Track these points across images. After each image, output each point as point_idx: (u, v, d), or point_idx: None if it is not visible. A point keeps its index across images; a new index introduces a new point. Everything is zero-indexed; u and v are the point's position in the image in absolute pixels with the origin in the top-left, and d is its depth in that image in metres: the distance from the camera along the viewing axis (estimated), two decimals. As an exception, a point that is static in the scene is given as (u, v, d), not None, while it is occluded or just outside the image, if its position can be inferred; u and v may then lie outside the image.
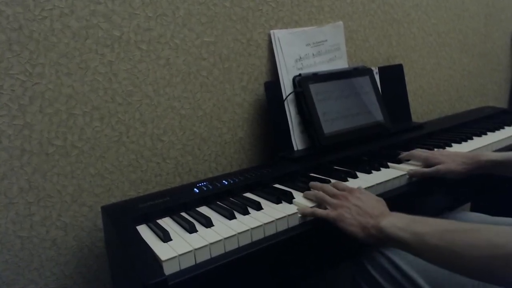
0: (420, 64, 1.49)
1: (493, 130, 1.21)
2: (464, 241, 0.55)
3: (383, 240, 0.64)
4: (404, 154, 0.97)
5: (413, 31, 1.45)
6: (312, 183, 0.81)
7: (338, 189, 0.76)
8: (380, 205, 0.70)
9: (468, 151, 1.01)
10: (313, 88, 1.06)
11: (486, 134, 1.18)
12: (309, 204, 0.75)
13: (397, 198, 0.83)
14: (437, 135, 1.20)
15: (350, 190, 0.74)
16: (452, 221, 0.60)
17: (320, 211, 0.71)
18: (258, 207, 0.75)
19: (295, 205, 0.76)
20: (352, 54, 1.28)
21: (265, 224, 0.68)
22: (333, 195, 0.74)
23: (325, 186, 0.78)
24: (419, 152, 0.94)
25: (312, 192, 0.77)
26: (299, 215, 0.72)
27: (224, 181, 0.87)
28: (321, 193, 0.75)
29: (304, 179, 0.89)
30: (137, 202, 0.80)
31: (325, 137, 1.04)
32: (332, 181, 0.85)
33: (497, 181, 0.96)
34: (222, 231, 0.66)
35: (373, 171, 0.90)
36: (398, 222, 0.63)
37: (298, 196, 0.79)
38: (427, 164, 0.90)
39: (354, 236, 0.67)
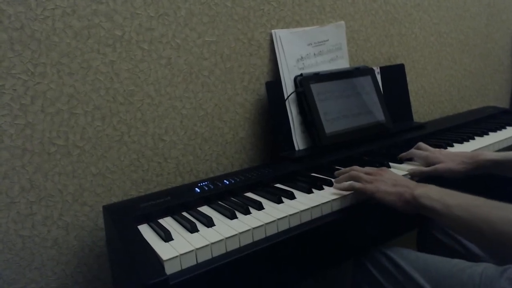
0: (422, 64, 1.49)
1: (494, 130, 1.21)
2: (484, 214, 0.60)
3: (418, 208, 0.69)
4: (404, 153, 0.97)
5: (414, 31, 1.45)
6: (338, 172, 0.86)
7: (370, 170, 0.81)
8: (411, 180, 0.76)
9: (469, 151, 1.01)
10: (315, 88, 1.06)
11: (487, 134, 1.18)
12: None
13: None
14: (438, 135, 1.20)
15: (381, 169, 0.80)
16: (480, 198, 0.64)
17: (358, 184, 0.77)
18: (260, 207, 0.75)
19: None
20: (354, 54, 1.28)
21: (266, 224, 0.68)
22: (366, 173, 0.79)
23: (355, 167, 0.83)
24: (419, 152, 0.94)
25: (346, 173, 0.82)
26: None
27: (225, 181, 0.87)
28: (355, 172, 0.80)
29: (305, 179, 0.89)
30: (138, 201, 0.80)
31: (327, 137, 1.04)
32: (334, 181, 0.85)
33: (496, 181, 0.96)
34: (223, 231, 0.66)
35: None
36: (431, 193, 0.68)
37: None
38: (427, 163, 0.90)
39: (392, 204, 0.72)
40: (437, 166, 0.87)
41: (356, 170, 0.82)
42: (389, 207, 0.73)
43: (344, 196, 0.78)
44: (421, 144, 0.97)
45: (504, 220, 0.58)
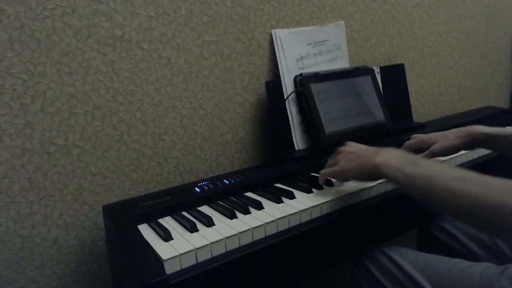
0: (422, 64, 1.49)
1: (494, 130, 1.21)
2: (448, 188, 0.58)
3: (379, 176, 0.70)
4: (401, 148, 0.97)
5: (414, 31, 1.45)
6: (322, 173, 0.84)
7: (336, 155, 0.81)
8: (372, 147, 0.75)
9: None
10: (314, 87, 1.06)
11: (487, 134, 1.18)
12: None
13: (399, 197, 0.83)
14: (438, 135, 1.20)
15: (344, 147, 0.80)
16: (443, 167, 0.63)
17: (326, 170, 0.79)
18: (259, 206, 0.75)
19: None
20: (354, 53, 1.28)
21: (266, 223, 0.68)
22: (334, 162, 0.80)
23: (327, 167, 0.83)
24: (413, 141, 0.95)
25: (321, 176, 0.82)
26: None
27: (225, 181, 0.87)
28: (324, 170, 0.80)
29: (305, 179, 0.89)
30: (138, 201, 0.80)
31: (326, 136, 1.04)
32: (334, 181, 0.85)
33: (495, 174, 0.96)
34: (223, 231, 0.66)
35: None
36: (392, 161, 0.67)
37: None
38: (423, 146, 0.91)
39: (358, 178, 0.74)
40: (433, 146, 0.88)
41: (326, 166, 0.82)
42: (358, 180, 0.75)
43: (343, 196, 0.78)
44: (413, 135, 0.98)
45: (466, 193, 0.55)
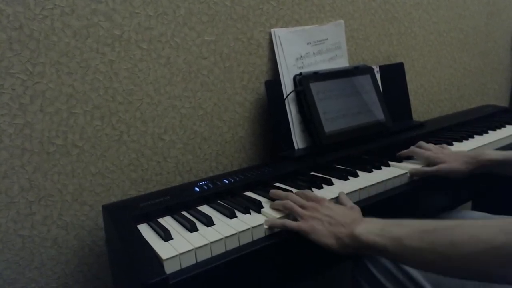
0: (421, 62, 1.49)
1: (494, 128, 1.21)
2: (446, 239, 0.52)
3: (360, 249, 0.62)
4: (404, 151, 0.97)
5: (414, 30, 1.44)
6: (273, 191, 0.76)
7: (307, 198, 0.72)
8: (352, 212, 0.68)
9: (469, 150, 1.01)
10: (314, 87, 1.06)
11: (487, 132, 1.18)
12: (277, 215, 0.71)
13: (398, 197, 0.83)
14: (438, 133, 1.20)
15: (319, 200, 0.71)
16: (429, 221, 0.57)
17: (291, 223, 0.67)
18: (259, 206, 0.75)
19: (264, 215, 0.71)
20: (353, 52, 1.28)
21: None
22: (301, 206, 0.70)
23: (291, 195, 0.73)
24: (420, 151, 0.93)
25: (281, 202, 0.72)
26: (265, 227, 0.68)
27: (224, 180, 0.87)
28: (290, 203, 0.70)
29: (305, 178, 0.89)
30: (138, 201, 0.80)
31: (326, 136, 1.04)
32: (334, 180, 0.85)
33: (497, 179, 0.96)
34: (223, 230, 0.66)
35: (374, 170, 0.90)
36: (373, 228, 0.61)
37: (266, 206, 0.75)
38: (429, 163, 0.90)
39: (329, 247, 0.64)
40: (439, 166, 0.87)
41: (292, 199, 0.72)
42: (326, 250, 0.64)
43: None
44: (422, 142, 0.97)
45: (470, 239, 0.50)
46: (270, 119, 1.07)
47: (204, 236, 0.65)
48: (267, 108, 1.08)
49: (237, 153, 1.09)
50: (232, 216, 0.72)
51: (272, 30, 1.09)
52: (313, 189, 0.82)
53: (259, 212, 0.73)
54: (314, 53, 1.13)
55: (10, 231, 0.83)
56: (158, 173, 0.98)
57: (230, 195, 0.83)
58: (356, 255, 0.64)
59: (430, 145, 0.95)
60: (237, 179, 0.88)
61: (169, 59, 0.95)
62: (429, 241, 0.54)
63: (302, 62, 1.11)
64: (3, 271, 0.83)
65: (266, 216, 0.71)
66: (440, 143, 1.05)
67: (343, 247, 0.63)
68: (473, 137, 1.14)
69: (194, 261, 0.61)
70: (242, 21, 1.05)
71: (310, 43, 1.13)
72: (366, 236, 0.60)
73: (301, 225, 0.66)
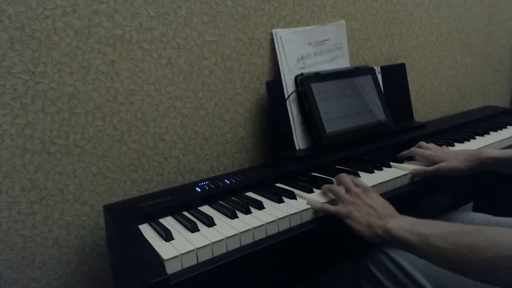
0: (422, 63, 1.49)
1: (495, 129, 1.21)
2: (468, 242, 0.55)
3: (389, 241, 0.65)
4: (405, 152, 0.96)
5: (415, 31, 1.44)
6: (336, 177, 0.81)
7: (355, 184, 0.76)
8: (389, 207, 0.71)
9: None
10: (315, 87, 1.06)
11: (488, 133, 1.18)
12: (322, 199, 0.76)
13: (399, 198, 0.83)
14: (439, 134, 1.20)
15: (365, 189, 0.75)
16: (457, 224, 0.60)
17: (330, 207, 0.73)
18: (260, 206, 0.75)
19: (306, 199, 0.77)
20: (354, 53, 1.28)
21: (267, 223, 0.68)
22: (347, 190, 0.75)
23: (342, 175, 0.79)
24: (421, 150, 0.93)
25: (328, 185, 0.79)
26: (311, 211, 0.73)
27: (226, 181, 0.87)
28: (335, 187, 0.77)
29: (306, 179, 0.89)
30: (139, 201, 0.80)
31: (327, 136, 1.04)
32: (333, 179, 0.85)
33: (499, 180, 0.96)
34: (224, 230, 0.66)
35: (375, 171, 0.90)
36: (404, 224, 0.64)
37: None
38: (429, 162, 0.90)
39: (360, 234, 0.68)
40: (440, 164, 0.87)
41: (341, 181, 0.77)
42: (356, 232, 0.68)
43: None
44: (422, 143, 0.97)
45: (491, 245, 0.52)
46: (271, 120, 1.07)
47: (205, 236, 0.65)
48: (268, 109, 1.08)
49: (238, 153, 1.09)
50: (233, 216, 0.72)
51: (273, 30, 1.09)
52: (314, 189, 0.82)
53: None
54: (315, 54, 1.13)
55: (12, 231, 0.83)
56: (159, 173, 0.98)
57: (231, 196, 0.83)
58: (382, 246, 0.68)
59: (431, 145, 0.95)
60: (238, 179, 0.88)
61: (170, 59, 0.95)
62: (453, 242, 0.56)
63: (303, 63, 1.11)
64: (4, 271, 0.83)
65: (266, 216, 0.71)
66: (441, 144, 1.05)
67: (374, 236, 0.66)
68: (474, 138, 1.14)
69: (195, 262, 0.61)
70: (243, 21, 1.05)
71: (312, 43, 1.13)
72: (397, 231, 0.63)
73: (340, 209, 0.71)
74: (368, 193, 0.73)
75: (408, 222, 0.64)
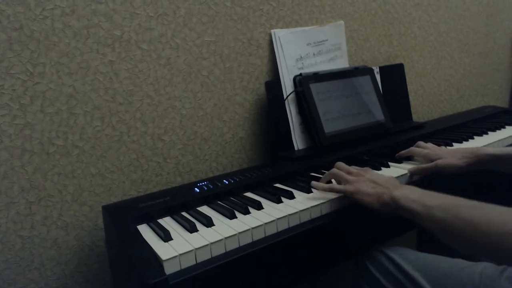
0: (421, 63, 1.49)
1: (494, 129, 1.21)
2: (466, 215, 0.58)
3: (397, 210, 0.68)
4: (403, 151, 0.97)
5: (414, 31, 1.45)
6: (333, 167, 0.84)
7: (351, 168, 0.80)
8: (393, 180, 0.75)
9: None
10: (314, 87, 1.06)
11: (487, 133, 1.18)
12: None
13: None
14: (438, 134, 1.20)
15: (363, 169, 0.79)
16: (461, 198, 0.62)
17: (337, 186, 0.77)
18: (259, 206, 0.75)
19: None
20: (353, 53, 1.28)
21: (265, 223, 0.68)
22: (348, 173, 0.78)
23: (338, 164, 0.82)
24: (419, 149, 0.94)
25: (329, 171, 0.81)
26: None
27: (224, 181, 0.87)
28: (336, 170, 0.80)
29: (305, 179, 0.89)
30: (137, 201, 0.80)
31: (326, 136, 1.04)
32: (334, 181, 0.85)
33: (497, 180, 0.96)
34: (222, 231, 0.66)
35: (374, 171, 0.90)
36: (410, 194, 0.67)
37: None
38: (428, 161, 0.90)
39: (371, 206, 0.71)
40: (437, 161, 0.87)
41: (339, 167, 0.81)
42: (368, 208, 0.72)
43: (343, 196, 0.78)
44: (420, 142, 0.97)
45: (488, 221, 0.55)
46: (270, 120, 1.07)
47: (204, 236, 0.65)
48: (267, 109, 1.08)
49: (237, 153, 1.09)
50: (232, 216, 0.72)
51: (272, 31, 1.09)
52: (312, 189, 0.82)
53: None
54: (314, 54, 1.14)
55: (10, 232, 0.83)
56: (158, 173, 0.98)
57: (230, 196, 0.83)
58: (390, 215, 0.70)
59: (429, 144, 0.95)
60: (237, 179, 0.88)
61: (169, 60, 0.95)
62: (452, 214, 0.59)
63: (302, 63, 1.11)
64: (2, 272, 0.83)
65: (265, 217, 0.71)
66: (440, 144, 1.05)
67: (383, 205, 0.70)
68: (472, 138, 1.14)
69: (194, 262, 0.61)
70: (242, 21, 1.05)
71: (310, 44, 1.13)
72: (404, 200, 0.67)
73: (347, 187, 0.75)
74: (368, 171, 0.78)
75: (414, 193, 0.67)
